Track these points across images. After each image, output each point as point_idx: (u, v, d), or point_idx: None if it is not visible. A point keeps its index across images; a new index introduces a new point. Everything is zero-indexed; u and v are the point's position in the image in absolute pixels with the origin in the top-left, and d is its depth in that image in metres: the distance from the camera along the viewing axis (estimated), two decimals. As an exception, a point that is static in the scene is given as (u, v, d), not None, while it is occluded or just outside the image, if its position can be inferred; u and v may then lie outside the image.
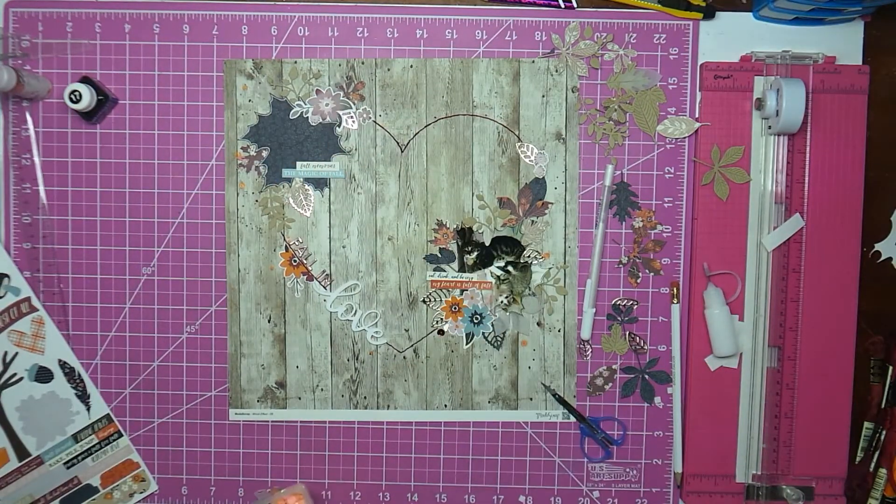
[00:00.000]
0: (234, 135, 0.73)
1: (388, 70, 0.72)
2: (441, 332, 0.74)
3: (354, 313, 0.74)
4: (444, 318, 0.74)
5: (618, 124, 0.72)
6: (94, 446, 0.75)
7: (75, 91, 0.69)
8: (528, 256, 0.73)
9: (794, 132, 0.69)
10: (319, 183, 0.73)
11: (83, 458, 0.75)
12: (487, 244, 0.73)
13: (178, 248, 0.74)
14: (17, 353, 0.74)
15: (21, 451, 0.75)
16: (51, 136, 0.74)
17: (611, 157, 0.73)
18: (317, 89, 0.72)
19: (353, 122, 0.73)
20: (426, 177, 0.73)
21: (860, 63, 0.72)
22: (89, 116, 0.72)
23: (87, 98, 0.69)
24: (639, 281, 0.74)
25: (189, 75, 0.73)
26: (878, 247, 0.73)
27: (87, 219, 0.74)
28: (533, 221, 0.73)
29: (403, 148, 0.73)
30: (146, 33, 0.73)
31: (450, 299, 0.74)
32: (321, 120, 0.73)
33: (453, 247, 0.74)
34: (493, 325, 0.74)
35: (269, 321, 0.74)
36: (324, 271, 0.74)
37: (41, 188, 0.74)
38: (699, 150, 0.72)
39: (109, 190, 0.74)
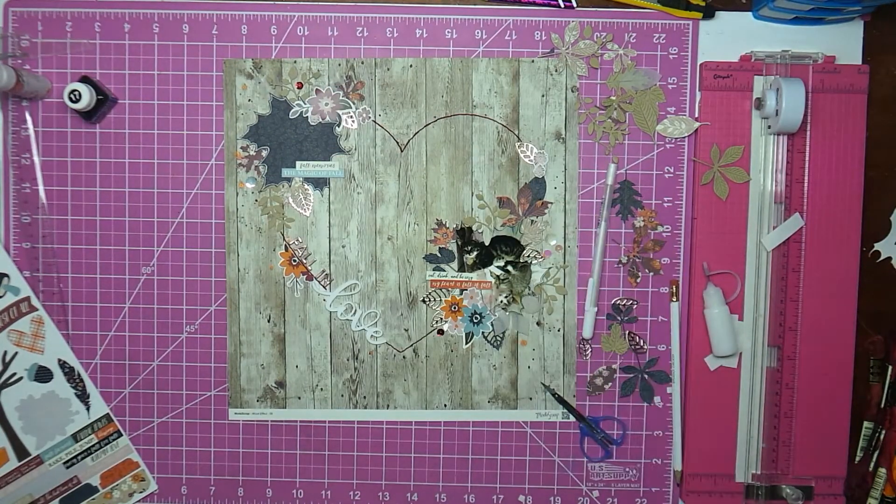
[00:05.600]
0: (234, 134, 0.73)
1: (388, 70, 0.72)
2: (441, 331, 0.74)
3: (354, 313, 0.74)
4: (443, 317, 0.74)
5: (617, 123, 0.72)
6: (93, 446, 0.75)
7: (75, 90, 0.69)
8: (528, 256, 0.73)
9: (794, 132, 0.69)
10: (319, 182, 0.73)
11: (83, 458, 0.75)
12: (487, 244, 0.73)
13: (177, 248, 0.74)
14: (16, 353, 0.74)
15: (20, 451, 0.75)
16: (50, 135, 0.74)
17: (612, 156, 0.73)
18: (316, 89, 0.72)
19: (353, 121, 0.73)
20: (426, 176, 0.73)
21: (860, 63, 0.72)
22: (89, 116, 0.72)
23: (87, 98, 0.69)
24: (638, 281, 0.74)
25: (189, 75, 0.73)
26: (877, 246, 0.73)
27: (86, 218, 0.74)
28: (533, 221, 0.73)
29: (403, 147, 0.73)
30: (146, 33, 0.73)
31: (449, 299, 0.74)
32: (321, 120, 0.73)
33: (453, 246, 0.74)
34: (492, 325, 0.74)
35: (268, 321, 0.74)
36: (323, 271, 0.74)
37: (41, 188, 0.74)
38: (699, 149, 0.72)
39: (109, 190, 0.74)
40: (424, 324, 0.74)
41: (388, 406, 0.75)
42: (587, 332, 0.73)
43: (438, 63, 0.72)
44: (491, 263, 0.74)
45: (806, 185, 0.71)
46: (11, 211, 0.74)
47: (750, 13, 0.72)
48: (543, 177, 0.73)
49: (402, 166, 0.73)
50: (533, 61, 0.72)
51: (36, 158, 0.74)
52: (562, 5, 0.72)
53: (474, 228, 0.73)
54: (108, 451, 0.75)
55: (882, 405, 0.73)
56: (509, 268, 0.73)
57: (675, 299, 0.73)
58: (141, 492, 0.76)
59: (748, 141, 0.71)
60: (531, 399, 0.75)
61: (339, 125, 0.73)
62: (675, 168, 0.73)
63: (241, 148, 0.73)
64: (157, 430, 0.76)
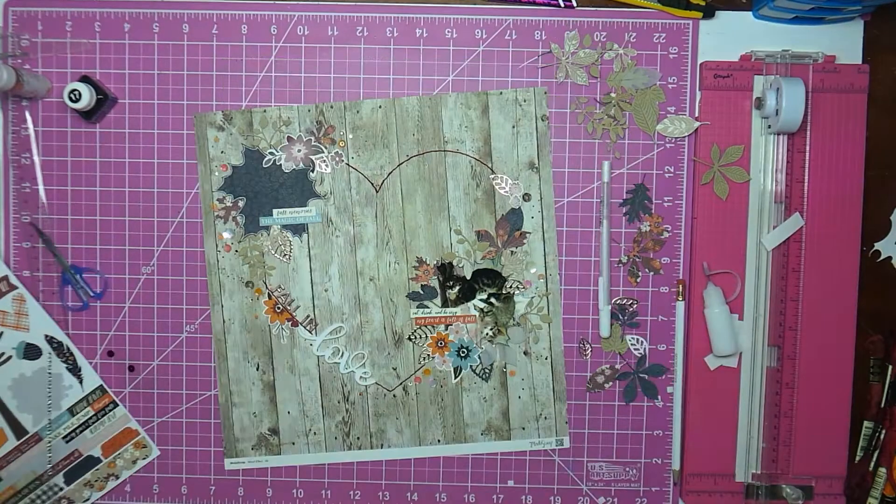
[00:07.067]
0: (210, 187, 0.73)
1: (358, 112, 0.72)
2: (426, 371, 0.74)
3: (341, 355, 0.74)
4: (430, 353, 0.74)
5: (615, 120, 0.72)
6: (90, 418, 0.75)
7: (75, 90, 0.69)
8: (510, 287, 0.73)
9: (794, 131, 0.69)
10: (297, 228, 0.73)
11: (81, 431, 0.75)
12: (469, 278, 0.73)
13: (177, 248, 0.74)
14: (1, 333, 0.74)
15: (18, 430, 0.75)
16: (50, 135, 0.74)
17: (613, 152, 0.73)
18: (287, 136, 0.72)
19: (327, 165, 0.72)
20: (403, 215, 0.73)
21: (860, 62, 0.72)
22: (89, 116, 0.72)
23: (87, 97, 0.69)
24: (638, 280, 0.74)
25: (188, 75, 0.73)
26: (877, 246, 0.73)
27: (86, 218, 0.74)
28: (512, 252, 0.73)
29: (378, 188, 0.73)
30: (146, 33, 0.73)
31: (435, 335, 0.74)
32: (294, 166, 0.73)
33: (435, 283, 0.73)
34: (480, 358, 0.74)
35: (257, 369, 0.74)
36: (308, 316, 0.74)
37: (41, 187, 0.74)
38: (699, 149, 0.72)
39: (109, 189, 0.74)
40: (412, 361, 0.74)
41: (381, 445, 0.75)
42: (604, 332, 0.73)
43: (407, 102, 0.72)
44: (474, 297, 0.73)
45: (806, 184, 0.71)
46: (11, 211, 0.74)
47: (750, 13, 0.72)
48: (520, 207, 0.73)
49: (379, 207, 0.73)
50: (501, 93, 0.72)
51: (36, 158, 0.74)
52: (562, 5, 0.72)
53: (455, 263, 0.73)
54: (106, 423, 0.76)
55: (882, 405, 0.73)
56: (492, 300, 0.73)
57: (681, 298, 0.73)
58: (144, 458, 0.76)
59: (748, 141, 0.71)
60: (524, 429, 0.75)
61: (312, 170, 0.73)
62: (675, 168, 0.73)
63: (218, 200, 0.73)
64: (157, 429, 0.76)
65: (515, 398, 0.74)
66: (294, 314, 0.74)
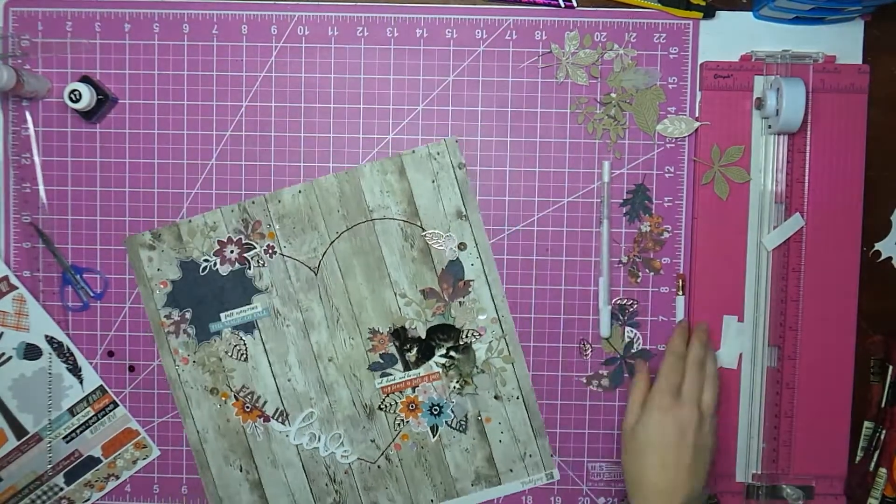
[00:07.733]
0: (154, 305, 0.73)
1: (279, 202, 0.72)
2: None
3: (318, 440, 0.74)
4: (404, 418, 0.74)
5: (615, 120, 0.72)
6: (90, 419, 0.75)
7: (75, 90, 0.69)
8: (466, 337, 0.73)
9: (794, 131, 0.69)
10: (248, 327, 0.73)
11: (82, 432, 0.75)
12: (424, 337, 0.73)
13: (177, 248, 0.74)
14: (2, 333, 0.74)
15: (18, 430, 0.75)
16: (50, 135, 0.74)
17: (613, 152, 0.73)
18: (218, 240, 0.73)
19: (261, 260, 0.73)
20: (346, 291, 0.73)
21: (860, 62, 0.72)
22: (89, 116, 0.72)
23: (87, 97, 0.69)
24: (639, 280, 0.74)
25: (189, 75, 0.73)
26: (878, 246, 0.73)
27: (86, 218, 0.74)
28: (460, 303, 0.73)
29: (316, 270, 0.73)
30: (146, 33, 0.73)
31: (405, 399, 0.74)
32: (231, 268, 0.73)
33: (392, 349, 0.73)
34: (453, 412, 0.74)
35: (241, 471, 0.75)
36: (277, 409, 0.74)
37: (41, 188, 0.74)
38: (699, 149, 0.72)
39: (109, 189, 0.74)
40: (388, 430, 0.74)
41: None
42: (605, 331, 0.73)
43: (325, 181, 0.72)
44: (433, 354, 0.73)
45: (806, 184, 0.71)
46: (11, 211, 0.74)
47: (750, 13, 0.72)
48: (458, 258, 0.73)
49: (321, 288, 0.73)
50: (413, 151, 0.72)
51: (36, 158, 0.74)
52: (562, 5, 0.72)
53: (408, 326, 0.73)
54: (107, 423, 0.76)
55: (882, 405, 0.73)
56: (452, 353, 0.73)
57: (680, 293, 0.73)
58: (144, 458, 0.76)
59: (748, 141, 0.71)
60: (512, 471, 0.74)
61: (249, 268, 0.73)
62: (676, 168, 0.73)
63: (165, 317, 0.73)
64: (157, 429, 0.76)
65: (497, 442, 0.74)
66: (263, 410, 0.74)
